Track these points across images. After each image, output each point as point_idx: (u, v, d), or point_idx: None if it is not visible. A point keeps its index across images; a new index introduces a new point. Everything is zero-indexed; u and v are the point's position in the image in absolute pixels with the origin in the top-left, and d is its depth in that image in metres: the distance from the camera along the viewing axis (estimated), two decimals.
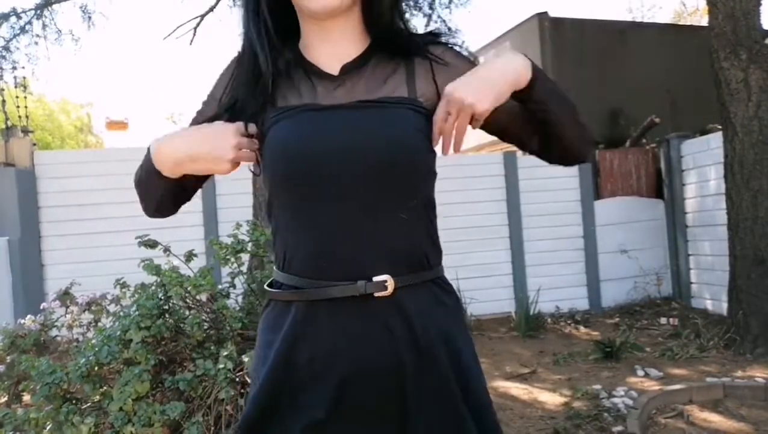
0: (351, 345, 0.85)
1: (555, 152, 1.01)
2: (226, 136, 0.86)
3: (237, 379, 2.72)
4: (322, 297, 0.84)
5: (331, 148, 0.85)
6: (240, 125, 0.88)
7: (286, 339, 0.87)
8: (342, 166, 0.84)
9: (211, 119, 0.94)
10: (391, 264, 0.85)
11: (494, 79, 0.85)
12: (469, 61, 0.98)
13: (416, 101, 0.91)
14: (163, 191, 1.01)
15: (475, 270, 6.35)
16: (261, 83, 0.90)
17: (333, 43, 0.93)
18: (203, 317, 2.96)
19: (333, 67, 0.93)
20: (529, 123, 0.98)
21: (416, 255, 0.88)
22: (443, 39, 0.98)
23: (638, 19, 19.01)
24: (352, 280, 0.84)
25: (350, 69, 0.92)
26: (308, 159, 0.85)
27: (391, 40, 0.94)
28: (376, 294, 0.84)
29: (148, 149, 0.99)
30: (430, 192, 0.93)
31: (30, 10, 6.18)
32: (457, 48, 0.98)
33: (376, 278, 0.84)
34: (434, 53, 0.95)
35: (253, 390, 0.91)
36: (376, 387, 0.85)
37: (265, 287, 0.94)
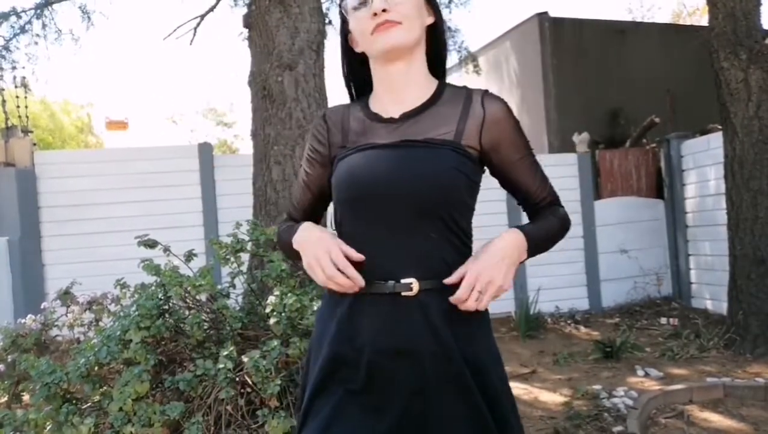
0: (382, 331, 1.06)
1: None
2: (327, 265, 1.05)
3: (237, 379, 2.72)
4: (364, 292, 1.06)
5: (379, 179, 1.07)
6: (344, 263, 1.05)
7: (340, 323, 1.09)
8: (387, 193, 1.06)
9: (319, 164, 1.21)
10: (418, 271, 1.06)
11: (511, 260, 1.14)
12: (515, 125, 1.16)
13: (459, 144, 1.10)
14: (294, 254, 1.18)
15: None
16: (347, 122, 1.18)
17: (398, 90, 1.13)
18: (203, 317, 2.96)
19: (396, 113, 1.13)
20: None
21: (441, 266, 1.08)
22: (498, 98, 1.17)
23: (638, 19, 19.01)
24: (386, 281, 1.06)
25: (411, 114, 1.12)
26: (362, 187, 1.08)
27: (453, 89, 1.15)
28: (403, 293, 1.05)
29: (284, 232, 1.23)
30: (459, 218, 1.12)
31: (30, 9, 6.18)
32: (506, 108, 1.17)
33: (403, 280, 1.05)
34: (489, 108, 1.14)
35: (315, 364, 1.13)
36: (398, 366, 1.05)
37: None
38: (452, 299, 1.05)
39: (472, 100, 1.14)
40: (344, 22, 1.16)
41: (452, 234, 1.11)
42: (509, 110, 1.17)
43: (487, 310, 1.18)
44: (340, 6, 1.16)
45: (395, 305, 1.06)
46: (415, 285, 1.05)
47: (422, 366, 1.06)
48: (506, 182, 1.21)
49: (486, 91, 1.18)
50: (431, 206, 1.07)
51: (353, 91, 1.23)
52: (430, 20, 1.14)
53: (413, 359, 1.06)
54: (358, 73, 1.20)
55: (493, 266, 1.09)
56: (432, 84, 1.17)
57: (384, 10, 1.05)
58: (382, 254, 1.07)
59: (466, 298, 1.05)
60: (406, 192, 1.06)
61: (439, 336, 1.06)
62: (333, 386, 1.09)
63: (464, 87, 1.17)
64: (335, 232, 1.17)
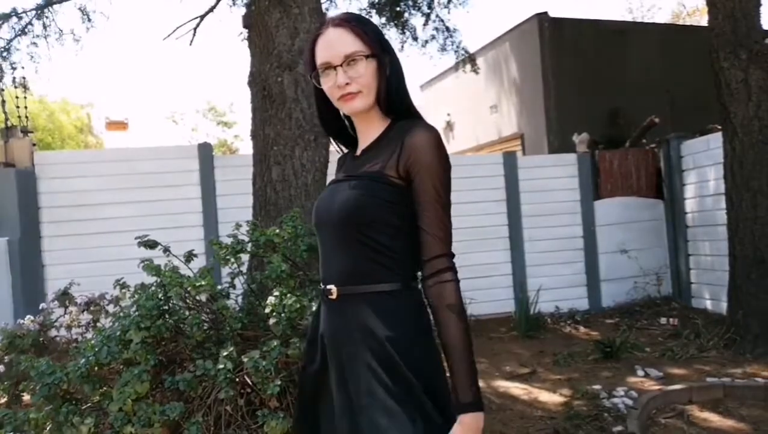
0: (325, 325, 1.37)
1: None
2: None
3: (237, 379, 2.72)
4: (321, 294, 1.39)
5: (324, 207, 1.36)
6: None
7: (315, 317, 1.45)
8: (321, 221, 1.37)
9: None
10: (339, 279, 1.32)
11: None
12: (433, 158, 1.27)
13: (380, 174, 1.28)
14: None
15: (475, 270, 6.34)
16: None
17: (363, 132, 1.39)
18: (203, 318, 2.96)
19: (361, 150, 1.38)
20: None
21: (356, 275, 1.30)
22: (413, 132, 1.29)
23: (638, 20, 19.01)
24: (324, 286, 1.36)
25: (365, 151, 1.36)
26: (315, 217, 1.39)
27: (400, 126, 1.33)
28: (328, 296, 1.33)
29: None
30: (376, 235, 1.27)
31: (31, 10, 6.18)
32: (429, 140, 1.27)
33: (327, 287, 1.34)
34: (411, 138, 1.27)
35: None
36: (330, 353, 1.34)
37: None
38: None
39: (400, 132, 1.29)
40: (310, 70, 1.37)
41: (368, 248, 1.28)
42: (432, 143, 1.26)
43: (403, 302, 1.32)
44: (309, 64, 1.37)
45: (328, 305, 1.35)
46: (335, 290, 1.32)
47: (341, 355, 1.32)
48: (417, 219, 1.28)
49: (421, 124, 1.29)
50: (345, 227, 1.29)
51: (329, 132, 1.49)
52: (383, 75, 1.32)
53: (337, 349, 1.33)
54: (329, 110, 1.42)
55: None
56: (385, 124, 1.36)
57: (347, 83, 1.27)
58: (322, 267, 1.38)
59: None
60: (329, 218, 1.33)
61: (350, 333, 1.30)
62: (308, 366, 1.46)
63: (410, 122, 1.31)
64: None
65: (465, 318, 1.25)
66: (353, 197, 1.28)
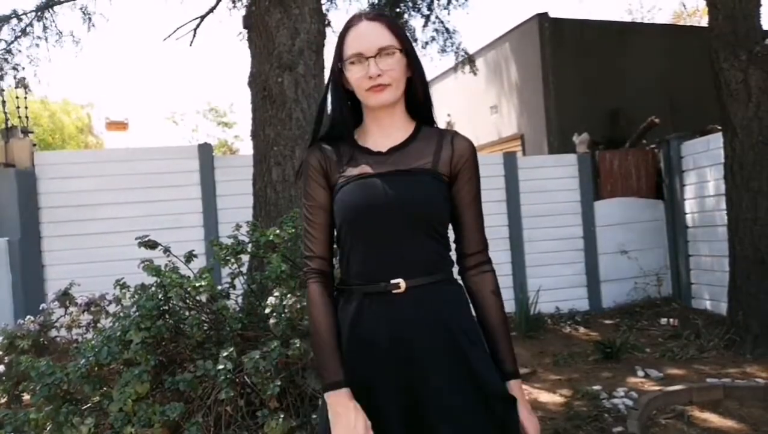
0: (381, 322, 1.32)
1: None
2: None
3: (237, 380, 2.72)
4: (365, 292, 1.34)
5: (379, 200, 1.31)
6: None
7: (352, 316, 1.35)
8: (382, 214, 1.31)
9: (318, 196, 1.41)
10: (406, 272, 1.31)
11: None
12: (475, 164, 1.43)
13: (436, 171, 1.36)
14: None
15: None
16: (338, 157, 1.39)
17: (385, 128, 1.39)
18: (203, 318, 2.96)
19: (384, 146, 1.38)
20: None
21: (426, 266, 1.34)
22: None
23: (638, 20, 19.01)
24: (378, 283, 1.32)
25: (396, 148, 1.37)
26: (362, 211, 1.33)
27: (428, 129, 1.42)
28: (393, 291, 1.31)
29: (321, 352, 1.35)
30: (438, 227, 1.35)
31: (31, 11, 6.18)
32: (472, 148, 1.42)
33: (392, 281, 1.31)
34: (458, 144, 1.40)
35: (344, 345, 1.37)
36: (394, 348, 1.31)
37: (336, 286, 1.43)
38: None
39: (443, 138, 1.41)
40: (338, 71, 1.37)
41: (434, 241, 1.35)
42: (474, 150, 1.43)
43: (461, 287, 1.42)
44: (335, 55, 1.37)
45: (387, 300, 1.32)
46: (403, 284, 1.31)
47: (411, 348, 1.31)
48: (454, 216, 1.40)
49: (456, 132, 1.44)
50: (418, 220, 1.33)
51: (339, 123, 1.41)
52: (409, 74, 1.38)
53: (402, 343, 1.31)
54: (344, 109, 1.40)
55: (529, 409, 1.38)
56: (411, 124, 1.42)
57: (379, 75, 1.30)
58: (376, 263, 1.34)
59: None
60: (400, 210, 1.31)
61: (424, 324, 1.32)
62: (360, 358, 1.34)
63: (436, 127, 1.44)
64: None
65: (503, 304, 1.42)
66: (425, 191, 1.33)
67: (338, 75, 1.37)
